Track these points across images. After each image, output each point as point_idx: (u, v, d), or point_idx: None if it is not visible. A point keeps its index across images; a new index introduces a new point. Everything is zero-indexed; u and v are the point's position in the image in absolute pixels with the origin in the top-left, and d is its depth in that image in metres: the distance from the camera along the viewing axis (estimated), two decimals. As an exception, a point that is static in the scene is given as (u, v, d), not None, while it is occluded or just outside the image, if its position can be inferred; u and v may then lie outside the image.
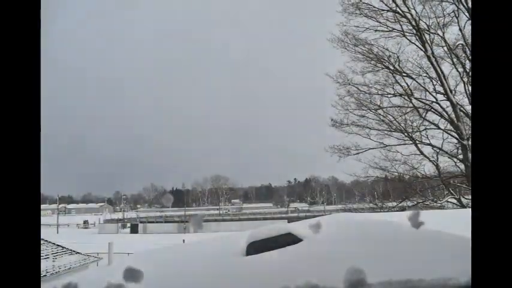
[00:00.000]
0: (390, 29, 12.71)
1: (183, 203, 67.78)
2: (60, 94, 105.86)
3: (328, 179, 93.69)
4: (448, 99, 12.01)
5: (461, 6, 11.78)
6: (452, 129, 12.03)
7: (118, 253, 16.20)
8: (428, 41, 12.24)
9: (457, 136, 11.87)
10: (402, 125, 12.83)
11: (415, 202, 12.56)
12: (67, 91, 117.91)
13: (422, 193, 12.97)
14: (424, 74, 12.66)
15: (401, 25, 12.54)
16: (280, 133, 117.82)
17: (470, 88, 11.34)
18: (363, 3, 12.68)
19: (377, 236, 2.71)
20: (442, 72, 12.08)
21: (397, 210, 11.91)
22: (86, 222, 57.90)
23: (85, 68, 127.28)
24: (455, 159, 12.32)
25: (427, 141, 12.64)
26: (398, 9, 12.33)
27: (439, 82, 12.17)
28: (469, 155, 10.82)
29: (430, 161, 12.49)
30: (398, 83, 12.95)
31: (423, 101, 12.71)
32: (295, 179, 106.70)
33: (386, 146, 12.86)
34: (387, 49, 12.83)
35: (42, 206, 71.48)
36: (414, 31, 12.36)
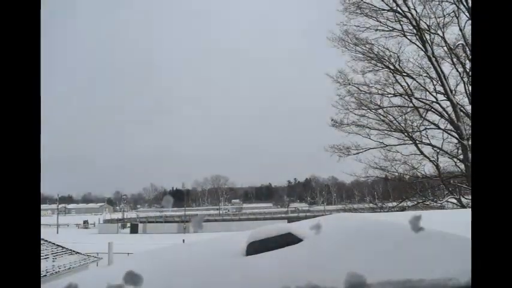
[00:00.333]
0: (391, 28, 12.72)
1: (183, 203, 67.78)
2: (61, 93, 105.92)
3: (328, 179, 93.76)
4: (448, 99, 12.01)
5: (461, 6, 11.79)
6: (452, 129, 12.03)
7: (118, 253, 16.21)
8: (429, 41, 12.24)
9: (457, 136, 11.87)
10: (402, 124, 12.84)
11: (415, 202, 12.56)
12: (67, 90, 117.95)
13: (422, 193, 12.96)
14: (424, 74, 12.67)
15: (401, 25, 12.55)
16: (280, 133, 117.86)
17: (470, 88, 11.34)
18: (364, 2, 12.69)
19: (377, 236, 2.71)
20: (442, 72, 12.08)
21: (397, 210, 11.92)
22: (85, 222, 57.88)
23: (85, 66, 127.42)
24: (455, 159, 12.32)
25: (427, 141, 12.64)
26: (398, 9, 12.35)
27: (439, 82, 12.17)
28: (469, 155, 10.82)
29: (430, 161, 12.49)
30: (398, 82, 12.96)
31: (423, 101, 12.71)
32: (295, 179, 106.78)
33: (387, 146, 12.87)
34: (387, 49, 12.85)
35: (42, 206, 71.44)
36: (414, 31, 12.36)
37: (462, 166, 11.98)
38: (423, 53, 12.35)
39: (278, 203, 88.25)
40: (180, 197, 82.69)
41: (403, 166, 12.97)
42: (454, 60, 12.26)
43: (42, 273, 10.67)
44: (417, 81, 12.65)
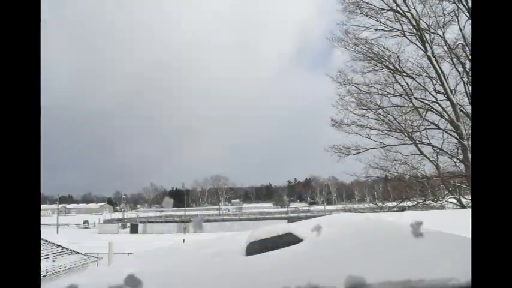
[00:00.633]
0: (390, 28, 12.71)
1: (183, 203, 67.76)
2: (61, 92, 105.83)
3: (328, 179, 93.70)
4: (448, 99, 12.00)
5: (461, 6, 11.78)
6: (452, 129, 12.02)
7: (118, 253, 16.21)
8: (429, 41, 12.23)
9: (457, 136, 11.86)
10: (402, 124, 12.83)
11: (415, 202, 12.55)
12: (68, 89, 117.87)
13: (422, 193, 12.96)
14: (424, 74, 12.66)
15: (401, 24, 12.54)
16: (280, 133, 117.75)
17: (470, 88, 11.33)
18: (364, 2, 12.68)
19: (377, 236, 2.71)
20: (442, 72, 12.07)
21: (397, 210, 11.92)
22: (85, 222, 57.88)
23: (86, 67, 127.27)
24: (455, 159, 12.32)
25: (427, 141, 12.63)
26: (398, 9, 12.33)
27: (439, 82, 12.16)
28: (469, 155, 10.82)
29: (430, 161, 12.49)
30: (398, 82, 12.94)
31: (423, 100, 12.70)
32: (295, 179, 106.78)
33: (387, 145, 12.86)
34: (387, 49, 12.83)
35: (42, 206, 71.46)
36: (414, 30, 12.35)
37: (462, 166, 11.97)
38: (423, 52, 12.35)
39: (278, 203, 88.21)
40: (180, 197, 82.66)
41: (403, 166, 12.98)
42: (454, 60, 12.25)
43: (42, 273, 10.66)
44: (417, 81, 12.65)
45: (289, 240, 2.79)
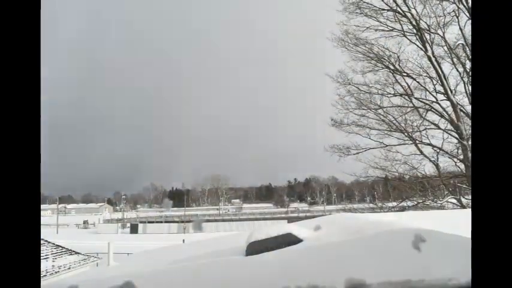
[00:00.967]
0: (390, 28, 12.70)
1: (183, 203, 67.77)
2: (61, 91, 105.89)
3: (328, 179, 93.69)
4: (448, 99, 12.00)
5: (461, 6, 11.78)
6: (452, 129, 12.02)
7: (118, 253, 16.21)
8: (429, 41, 12.23)
9: (457, 136, 11.87)
10: (402, 124, 12.83)
11: (415, 202, 12.54)
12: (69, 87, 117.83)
13: (422, 193, 12.95)
14: (424, 74, 12.65)
15: (401, 25, 12.53)
16: (280, 133, 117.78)
17: (470, 88, 11.34)
18: (364, 2, 12.68)
19: (377, 236, 2.71)
20: (442, 72, 12.08)
21: (397, 210, 11.91)
22: (85, 222, 57.93)
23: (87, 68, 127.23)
24: (455, 159, 12.32)
25: (427, 141, 12.62)
26: (398, 9, 12.33)
27: (439, 82, 12.17)
28: (469, 155, 10.82)
29: (430, 161, 12.48)
30: (398, 82, 12.94)
31: (423, 100, 12.70)
32: (295, 179, 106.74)
33: (387, 145, 12.86)
34: (387, 49, 12.83)
35: (42, 206, 71.46)
36: (414, 31, 12.35)
37: (462, 166, 11.97)
38: (423, 52, 12.34)
39: (278, 203, 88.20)
40: (180, 197, 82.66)
41: (403, 166, 12.97)
42: (454, 60, 12.25)
43: (42, 273, 10.66)
44: (417, 81, 12.64)
45: (289, 240, 2.79)
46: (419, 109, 12.75)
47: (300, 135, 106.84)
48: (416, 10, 12.26)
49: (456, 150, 12.23)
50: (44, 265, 11.14)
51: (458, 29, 11.98)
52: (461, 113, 11.88)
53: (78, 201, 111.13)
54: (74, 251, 13.34)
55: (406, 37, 12.58)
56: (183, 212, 56.77)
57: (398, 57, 12.68)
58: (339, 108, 13.39)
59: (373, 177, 13.80)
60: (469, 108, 11.63)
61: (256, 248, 2.77)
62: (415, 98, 12.65)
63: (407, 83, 12.73)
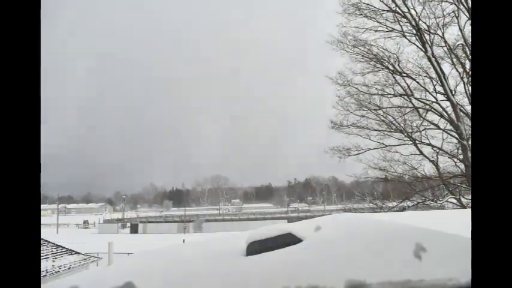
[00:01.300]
0: (390, 29, 12.72)
1: (183, 203, 67.78)
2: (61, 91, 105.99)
3: (328, 179, 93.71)
4: (448, 99, 12.02)
5: (461, 6, 11.79)
6: (452, 129, 12.03)
7: (118, 253, 16.19)
8: (428, 41, 12.24)
9: (457, 136, 11.88)
10: (402, 125, 12.84)
11: (415, 202, 12.55)
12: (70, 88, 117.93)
13: (422, 193, 12.96)
14: (424, 74, 12.68)
15: (401, 25, 12.55)
16: (281, 133, 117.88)
17: (470, 88, 11.34)
18: (363, 3, 12.69)
19: (377, 236, 2.71)
20: (442, 72, 12.09)
21: (397, 210, 11.92)
22: (85, 222, 57.89)
23: (87, 64, 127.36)
24: (455, 159, 12.33)
25: (427, 141, 12.64)
26: (398, 10, 12.34)
27: (439, 82, 12.18)
28: (469, 155, 10.82)
29: (430, 161, 12.49)
30: (398, 83, 12.96)
31: (423, 101, 12.72)
32: (295, 179, 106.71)
33: (387, 146, 12.87)
34: (387, 49, 12.85)
35: (42, 206, 71.48)
36: (414, 31, 12.36)
37: (462, 166, 11.98)
38: (423, 53, 12.36)
39: (278, 203, 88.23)
40: (180, 197, 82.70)
41: (402, 166, 12.99)
42: (454, 60, 12.26)
43: (42, 273, 10.66)
44: (417, 82, 12.66)
45: (289, 240, 2.79)
46: (419, 109, 12.76)
47: (300, 136, 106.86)
48: (415, 11, 12.28)
49: (456, 150, 12.25)
50: (44, 265, 11.13)
51: (458, 30, 12.00)
52: (461, 113, 11.89)
53: (78, 201, 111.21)
54: (74, 251, 13.33)
55: (405, 38, 12.60)
56: (183, 212, 56.78)
57: (398, 57, 12.71)
58: (339, 109, 13.42)
59: (373, 178, 13.82)
60: (468, 108, 11.65)
61: (256, 248, 2.77)
62: (415, 98, 12.67)
63: (407, 84, 12.76)
